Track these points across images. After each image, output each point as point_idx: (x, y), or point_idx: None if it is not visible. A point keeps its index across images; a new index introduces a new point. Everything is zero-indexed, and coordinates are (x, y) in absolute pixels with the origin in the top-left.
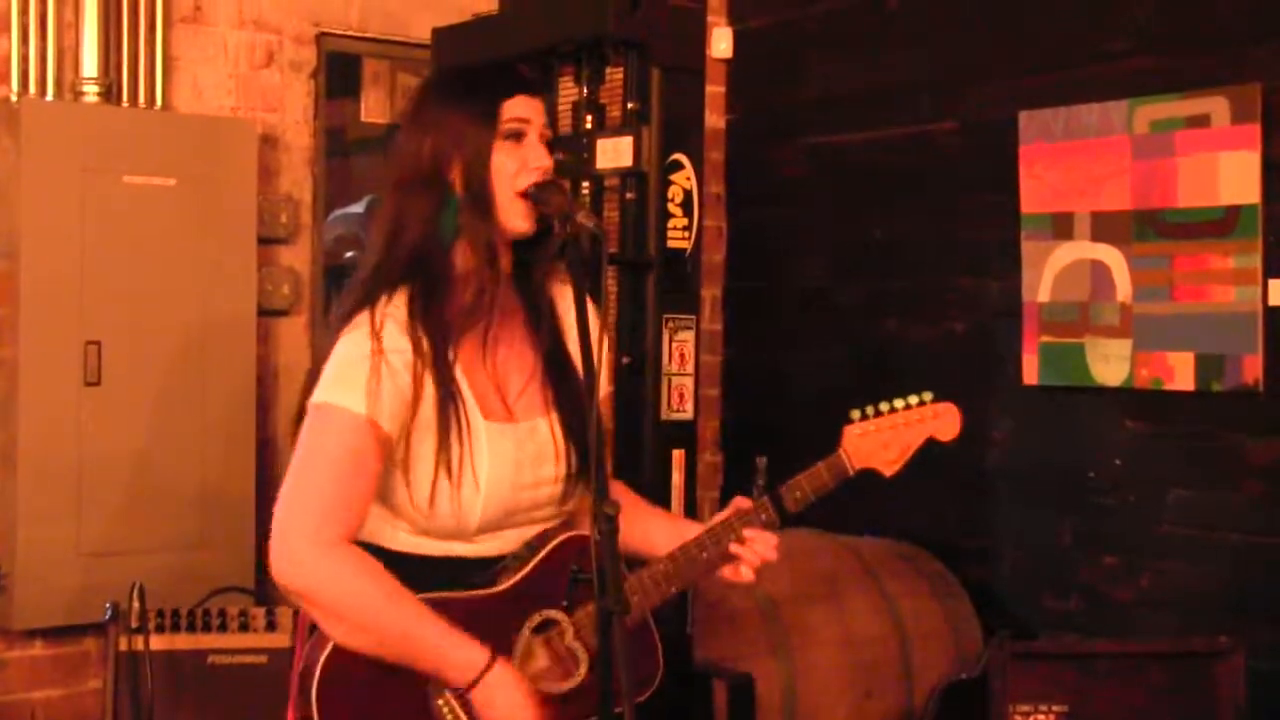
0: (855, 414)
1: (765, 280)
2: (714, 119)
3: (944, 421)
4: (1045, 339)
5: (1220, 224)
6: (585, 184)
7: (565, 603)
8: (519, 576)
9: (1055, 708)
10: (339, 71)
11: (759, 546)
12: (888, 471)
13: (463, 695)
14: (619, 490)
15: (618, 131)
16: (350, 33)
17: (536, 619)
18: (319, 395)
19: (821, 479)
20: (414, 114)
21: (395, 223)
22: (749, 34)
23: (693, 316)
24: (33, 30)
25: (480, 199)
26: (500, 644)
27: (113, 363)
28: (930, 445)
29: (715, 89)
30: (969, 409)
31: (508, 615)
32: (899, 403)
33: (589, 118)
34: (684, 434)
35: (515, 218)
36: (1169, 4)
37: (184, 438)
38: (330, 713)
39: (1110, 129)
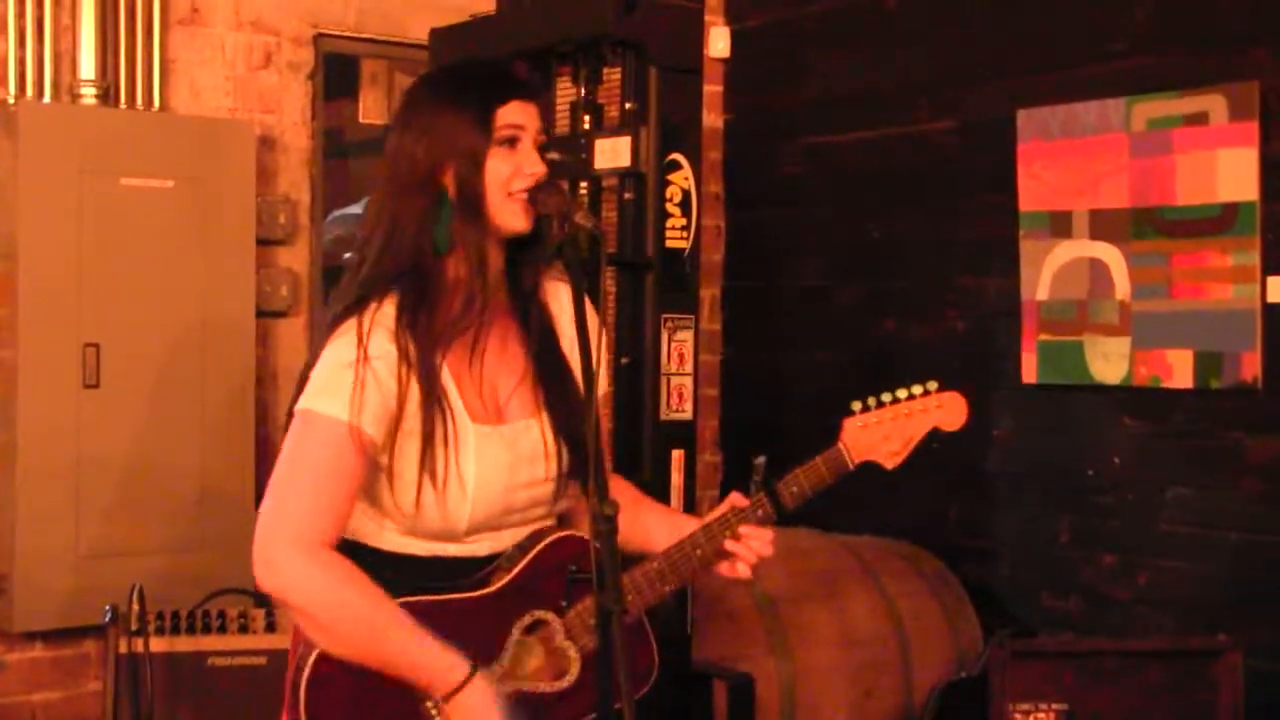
0: (856, 405)
1: (764, 280)
2: (712, 119)
3: (949, 411)
4: (1044, 337)
5: (1218, 221)
6: (583, 184)
7: (556, 603)
8: (509, 577)
9: (1054, 706)
10: (337, 72)
11: (754, 543)
12: (890, 464)
13: (443, 706)
14: (618, 485)
15: (616, 132)
16: (348, 33)
17: (527, 620)
18: (303, 402)
19: (819, 473)
20: (407, 117)
21: (388, 228)
22: (747, 33)
23: (691, 316)
24: (30, 33)
25: (473, 205)
26: (490, 645)
27: (111, 364)
28: (930, 444)
29: (713, 89)
30: (970, 408)
31: (498, 616)
32: (902, 392)
33: (587, 118)
34: (683, 434)
35: (511, 217)
36: (1167, 2)
37: (183, 439)
38: (318, 716)
39: (1108, 127)
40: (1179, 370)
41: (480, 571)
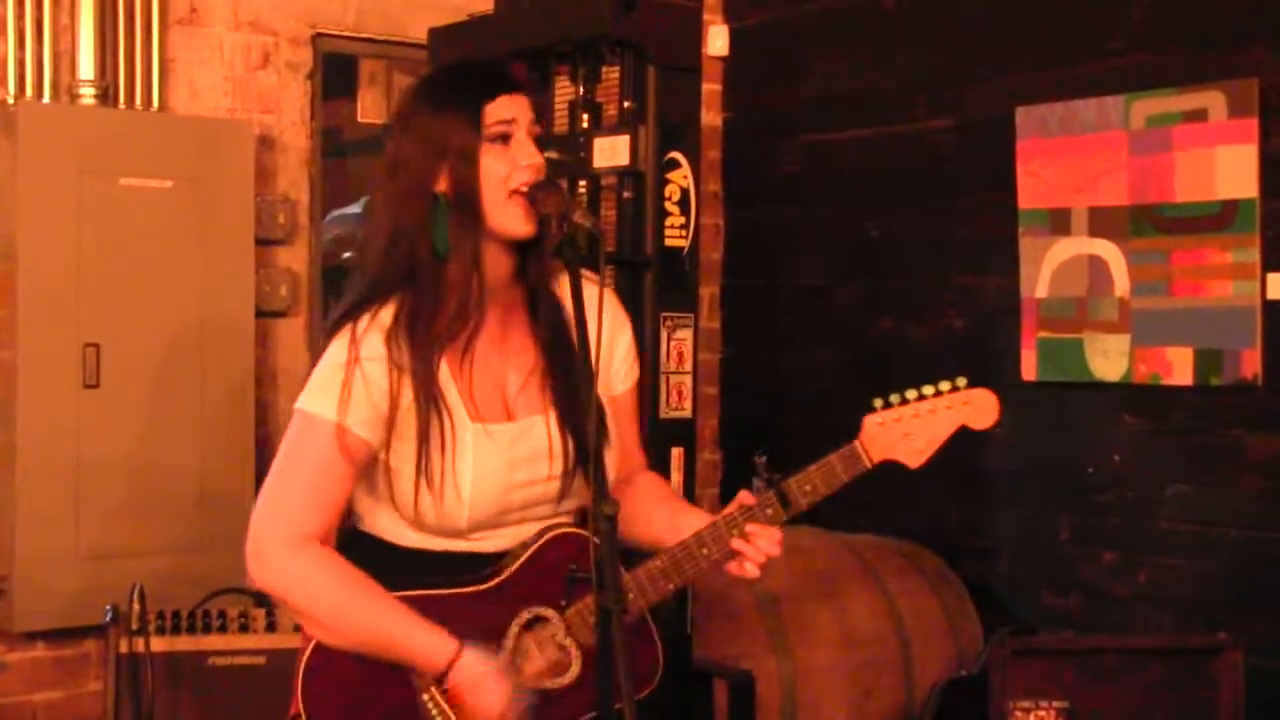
0: (878, 402)
1: (763, 278)
2: (711, 117)
3: (978, 409)
4: (1044, 334)
5: (1218, 218)
6: (582, 183)
7: (556, 601)
8: (507, 573)
9: (1055, 704)
10: (335, 72)
11: (762, 542)
12: (914, 463)
13: (444, 688)
14: (652, 482)
15: (614, 130)
16: (346, 33)
17: (526, 616)
18: (299, 401)
19: (834, 472)
20: (400, 124)
21: (388, 234)
22: (745, 32)
23: (690, 315)
24: (29, 33)
25: (469, 205)
26: (489, 641)
27: (111, 365)
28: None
29: (712, 87)
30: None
31: (497, 612)
32: (928, 389)
33: (585, 117)
34: (682, 432)
35: (513, 220)
36: None
37: (183, 439)
38: (315, 707)
39: (1107, 124)
40: (1179, 367)
41: (486, 568)
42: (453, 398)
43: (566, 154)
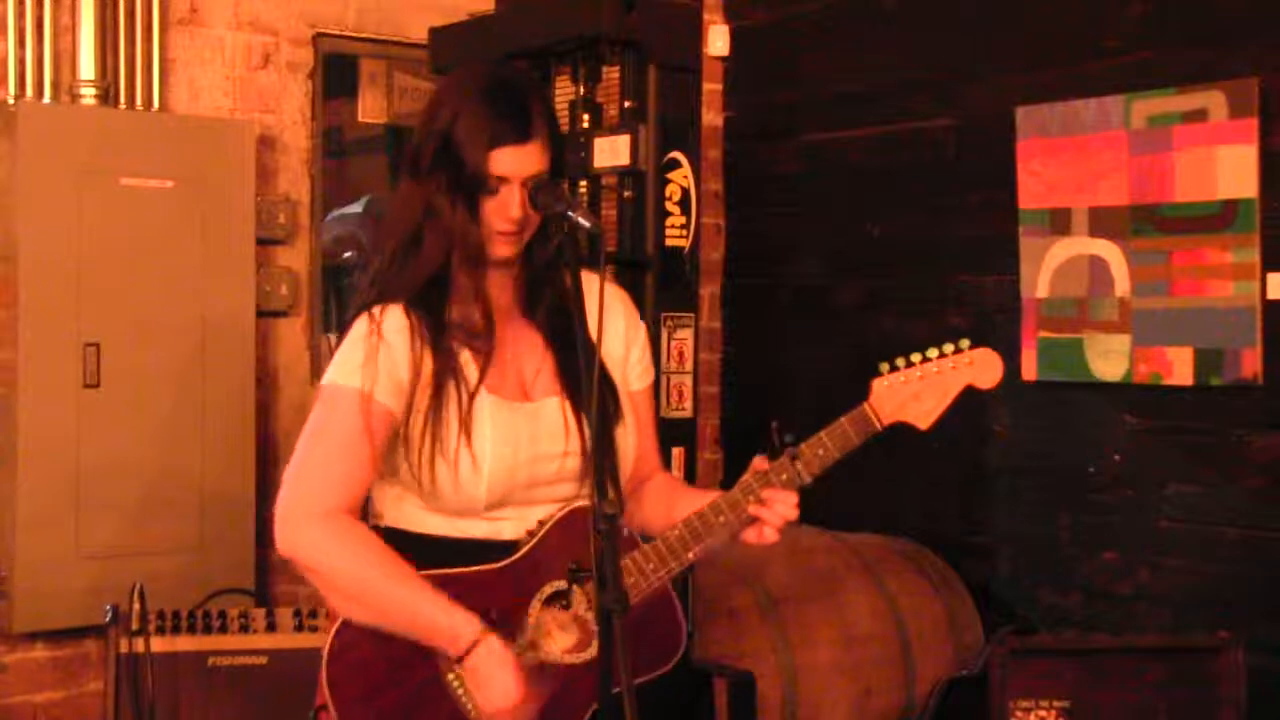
0: (884, 366)
1: (764, 278)
2: (711, 117)
3: (983, 367)
4: (1044, 334)
5: (1218, 218)
6: (583, 183)
7: (584, 570)
8: (526, 549)
9: (1055, 704)
10: (336, 72)
11: (779, 507)
12: (924, 424)
13: (466, 668)
14: (666, 481)
15: (615, 130)
16: (347, 33)
17: (547, 590)
18: (324, 379)
19: (845, 435)
20: (410, 164)
21: (396, 250)
22: (746, 31)
23: (691, 314)
24: (29, 33)
25: (466, 246)
26: (511, 617)
27: (111, 365)
28: (930, 441)
29: (712, 87)
30: (968, 406)
31: (518, 588)
32: (932, 351)
33: (586, 117)
34: (683, 432)
35: (496, 248)
36: None
37: (183, 439)
38: (341, 692)
39: (1107, 124)
40: (1179, 367)
41: (506, 551)
42: (471, 373)
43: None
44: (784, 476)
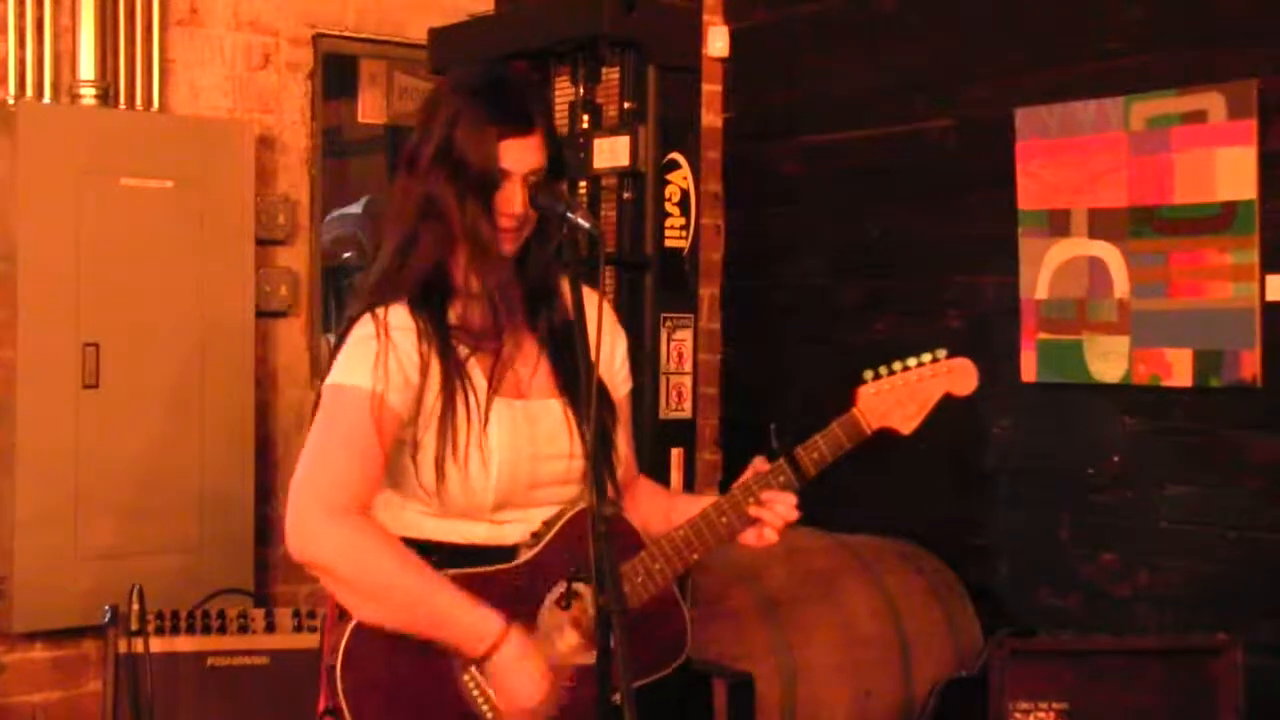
0: (868, 374)
1: (763, 279)
2: (711, 118)
3: (959, 376)
4: (1043, 336)
5: (1217, 220)
6: (582, 184)
7: (588, 575)
8: (538, 549)
9: (1055, 705)
10: (335, 72)
11: (779, 508)
12: (906, 429)
13: (484, 668)
14: (648, 486)
15: (614, 131)
16: (346, 33)
17: (558, 591)
18: (329, 378)
19: (838, 438)
20: (410, 160)
21: (394, 251)
22: (745, 32)
23: (690, 315)
24: (30, 33)
25: (477, 243)
26: (523, 617)
27: (111, 365)
28: (929, 441)
29: (712, 88)
30: (968, 407)
31: (528, 588)
32: (912, 360)
33: (585, 117)
34: (682, 432)
35: (501, 243)
36: (1165, 0)
37: (183, 439)
38: (356, 697)
39: (1107, 125)
40: (1178, 369)
41: (512, 553)
42: (478, 374)
43: (566, 155)
44: (782, 478)
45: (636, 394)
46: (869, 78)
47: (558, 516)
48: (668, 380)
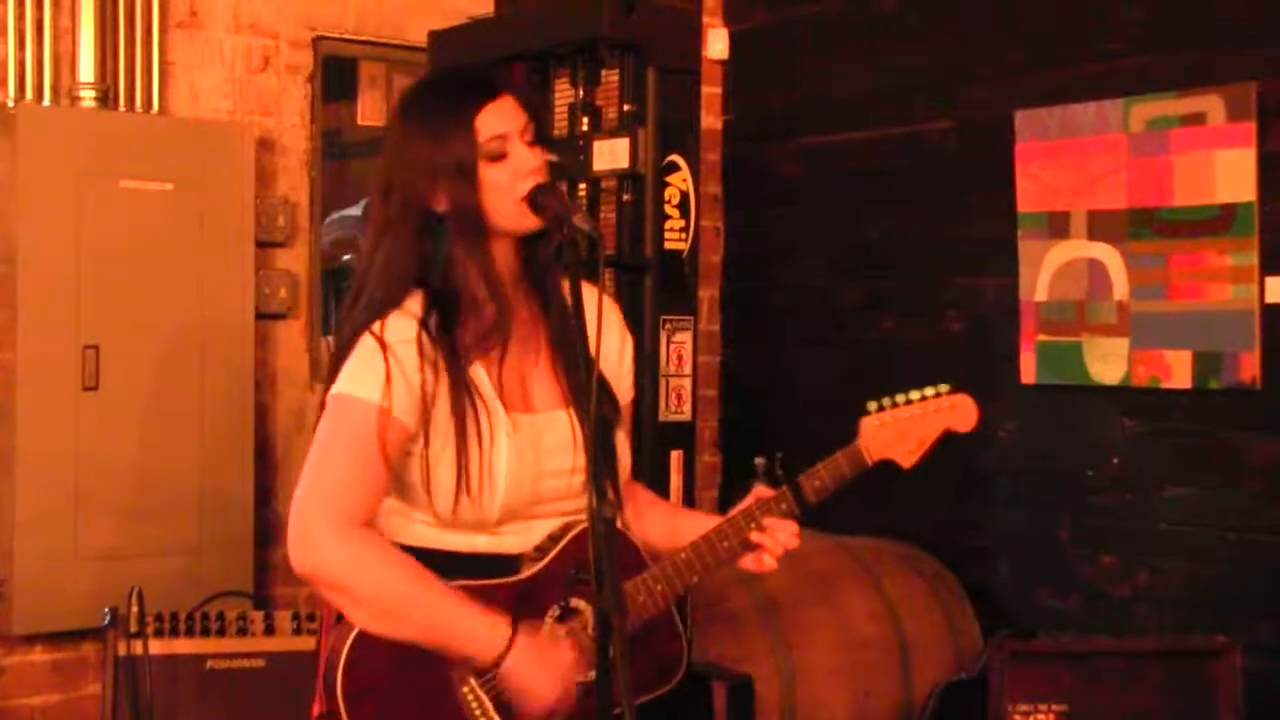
0: (872, 405)
1: (762, 281)
2: (710, 120)
3: (960, 413)
4: (1043, 338)
5: (1216, 222)
6: (582, 186)
7: (588, 592)
8: (540, 565)
9: (1054, 707)
10: (335, 75)
11: (780, 535)
12: (906, 463)
13: (488, 680)
14: (644, 494)
15: (614, 133)
16: (346, 36)
17: (557, 609)
18: (334, 388)
19: (840, 469)
20: (390, 148)
21: (385, 258)
22: (745, 35)
23: (690, 317)
24: (29, 36)
25: (472, 224)
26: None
27: (110, 367)
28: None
29: (711, 90)
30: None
31: (529, 604)
32: (915, 394)
33: (585, 120)
34: (682, 434)
35: (524, 221)
36: (1164, 2)
37: (182, 442)
38: (355, 704)
39: (1106, 127)
40: (1177, 371)
41: (513, 565)
42: (487, 391)
43: (566, 157)
44: (784, 506)
45: (636, 397)
46: (869, 79)
47: (563, 531)
48: (667, 382)
